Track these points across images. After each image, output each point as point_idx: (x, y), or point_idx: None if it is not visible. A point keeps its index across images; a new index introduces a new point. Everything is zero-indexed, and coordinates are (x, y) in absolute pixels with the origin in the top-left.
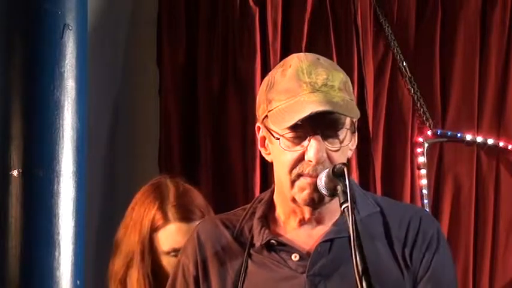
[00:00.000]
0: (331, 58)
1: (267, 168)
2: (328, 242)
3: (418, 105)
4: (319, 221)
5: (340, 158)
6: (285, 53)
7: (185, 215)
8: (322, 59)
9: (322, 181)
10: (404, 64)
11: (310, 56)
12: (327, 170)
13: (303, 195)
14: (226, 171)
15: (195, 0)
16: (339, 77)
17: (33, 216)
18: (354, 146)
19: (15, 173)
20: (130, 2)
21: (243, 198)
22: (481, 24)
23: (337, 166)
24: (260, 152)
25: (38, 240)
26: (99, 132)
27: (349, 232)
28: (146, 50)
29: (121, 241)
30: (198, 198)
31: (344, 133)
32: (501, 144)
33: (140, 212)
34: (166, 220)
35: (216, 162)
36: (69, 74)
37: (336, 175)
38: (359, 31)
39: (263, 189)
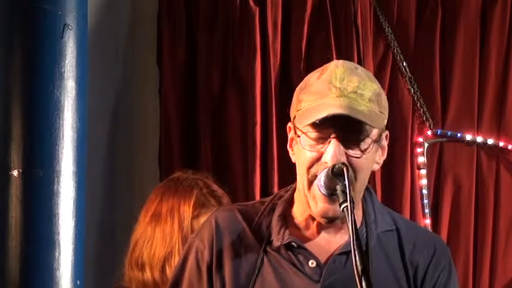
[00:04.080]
0: (331, 58)
1: (267, 168)
2: (345, 255)
3: (418, 105)
4: (339, 227)
5: (361, 166)
6: (285, 53)
7: (220, 200)
8: (360, 68)
9: (321, 181)
10: (404, 64)
11: (348, 64)
12: (326, 169)
13: (317, 208)
14: (226, 171)
15: (195, 0)
16: (372, 87)
17: (33, 216)
18: (382, 160)
19: (15, 173)
20: (130, 1)
21: (243, 198)
22: (481, 24)
23: (337, 166)
24: (260, 152)
25: (38, 240)
26: (99, 132)
27: (351, 237)
28: (146, 49)
29: (152, 232)
30: (218, 187)
31: (368, 143)
32: (501, 144)
33: (174, 202)
34: (207, 206)
35: (216, 162)
36: (69, 74)
37: (335, 175)
38: (359, 31)
39: (263, 189)
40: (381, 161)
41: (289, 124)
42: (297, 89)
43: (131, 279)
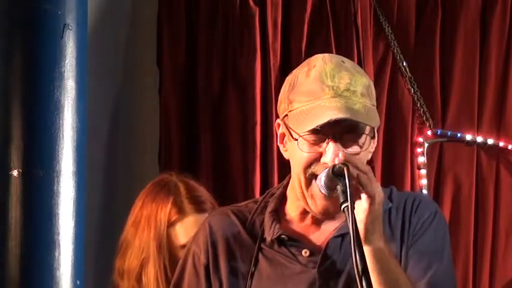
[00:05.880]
0: None
1: (267, 168)
2: (340, 237)
3: (418, 105)
4: (331, 218)
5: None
6: (285, 53)
7: (200, 206)
8: (347, 61)
9: (321, 181)
10: (404, 64)
11: (335, 58)
12: (327, 170)
13: (318, 207)
14: (226, 171)
15: (195, 0)
16: (362, 81)
17: (33, 216)
18: (373, 149)
19: (15, 173)
20: (130, 2)
21: (243, 198)
22: (481, 24)
23: (337, 166)
24: (260, 152)
25: (38, 240)
26: (99, 132)
27: (351, 238)
28: (146, 50)
29: (132, 239)
30: (204, 190)
31: (364, 138)
32: (501, 144)
33: (152, 209)
34: (183, 213)
35: (216, 162)
36: (69, 74)
37: (336, 175)
38: (359, 31)
39: (263, 189)
40: (373, 150)
41: (278, 121)
42: (285, 86)
43: (117, 286)
